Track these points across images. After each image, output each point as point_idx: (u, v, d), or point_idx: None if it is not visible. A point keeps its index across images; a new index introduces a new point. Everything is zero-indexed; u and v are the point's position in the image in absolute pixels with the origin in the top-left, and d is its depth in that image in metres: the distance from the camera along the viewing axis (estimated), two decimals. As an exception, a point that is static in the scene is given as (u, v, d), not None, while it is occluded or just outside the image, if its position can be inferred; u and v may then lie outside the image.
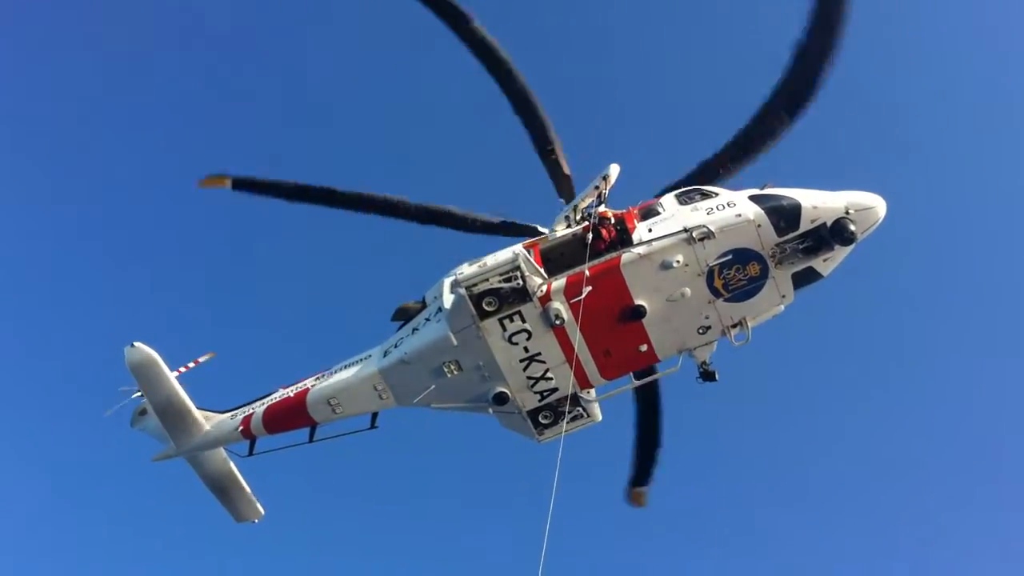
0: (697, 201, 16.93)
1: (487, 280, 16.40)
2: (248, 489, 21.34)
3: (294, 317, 53.48)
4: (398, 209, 19.04)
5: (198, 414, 20.28)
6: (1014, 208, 48.42)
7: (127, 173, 55.24)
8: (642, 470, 19.97)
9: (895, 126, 51.98)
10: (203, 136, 57.70)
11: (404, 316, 18.60)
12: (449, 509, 48.17)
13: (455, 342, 16.87)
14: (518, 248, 17.46)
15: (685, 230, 16.20)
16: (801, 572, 45.63)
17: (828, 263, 16.63)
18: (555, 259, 17.30)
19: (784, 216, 16.19)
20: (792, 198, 16.36)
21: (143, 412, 20.72)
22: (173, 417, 20.04)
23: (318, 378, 19.20)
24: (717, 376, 17.36)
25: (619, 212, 17.62)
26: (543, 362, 17.05)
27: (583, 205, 18.10)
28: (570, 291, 16.41)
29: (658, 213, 17.17)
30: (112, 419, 21.01)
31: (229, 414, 20.39)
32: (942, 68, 53.04)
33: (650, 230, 16.72)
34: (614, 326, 16.74)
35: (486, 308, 16.43)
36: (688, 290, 16.39)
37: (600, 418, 18.27)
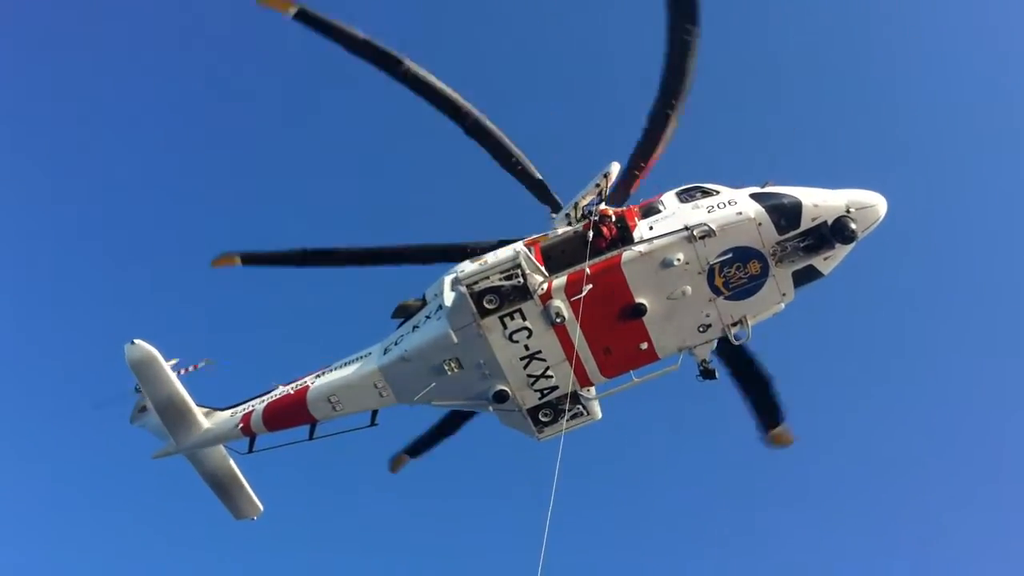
0: (698, 199, 16.94)
1: (488, 278, 16.39)
2: (248, 486, 21.30)
3: (294, 314, 53.48)
4: (406, 255, 19.46)
5: (198, 411, 20.25)
6: (1014, 207, 48.49)
7: (127, 173, 55.30)
8: (768, 411, 18.65)
9: (895, 125, 52.03)
10: (203, 136, 57.87)
11: (404, 314, 18.57)
12: (449, 507, 48.22)
13: (456, 340, 16.86)
14: (519, 246, 17.46)
15: (686, 228, 16.19)
16: (801, 572, 45.70)
17: (829, 261, 16.62)
18: (556, 257, 17.28)
19: (785, 214, 16.19)
20: (793, 196, 16.36)
21: (143, 409, 20.68)
22: (173, 414, 20.01)
23: (318, 375, 19.17)
24: (717, 374, 17.40)
25: (620, 210, 17.62)
26: (543, 360, 17.04)
27: (584, 203, 18.11)
28: (571, 289, 16.40)
29: (659, 211, 17.17)
30: (111, 419, 21.06)
31: (229, 411, 20.36)
32: (942, 68, 53.11)
33: (651, 228, 16.71)
34: (614, 324, 16.74)
35: (487, 306, 16.41)
36: (689, 288, 16.39)
37: (600, 416, 18.25)
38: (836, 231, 16.16)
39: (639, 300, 16.45)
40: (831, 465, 46.56)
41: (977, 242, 47.85)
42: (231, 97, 57.94)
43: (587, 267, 16.34)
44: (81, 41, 56.09)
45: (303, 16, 17.05)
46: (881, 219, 16.69)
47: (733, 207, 16.39)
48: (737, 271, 16.34)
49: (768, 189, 16.74)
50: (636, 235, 16.73)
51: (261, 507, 21.60)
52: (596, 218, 17.25)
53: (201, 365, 21.53)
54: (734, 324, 16.88)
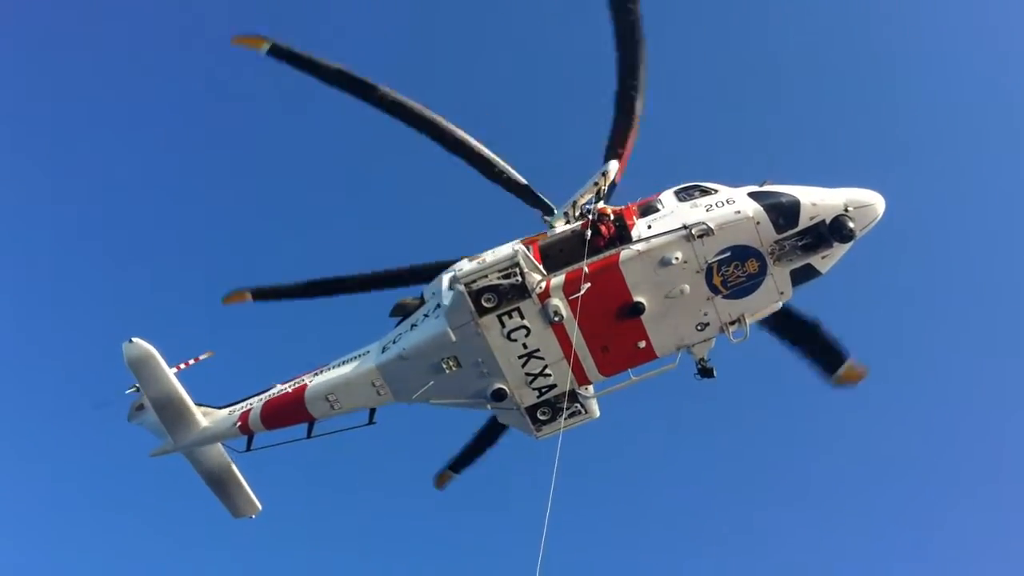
0: (696, 198, 16.94)
1: (486, 276, 16.41)
2: (246, 485, 21.31)
3: (292, 313, 53.41)
4: (408, 276, 19.54)
5: (196, 410, 20.26)
6: (1014, 207, 48.46)
7: (127, 173, 55.28)
8: (829, 352, 18.42)
9: (893, 124, 51.99)
10: (203, 136, 57.85)
11: (402, 312, 18.59)
12: (447, 505, 48.04)
13: (454, 338, 16.87)
14: (517, 244, 17.44)
15: (684, 227, 16.19)
16: (801, 572, 45.71)
17: (827, 260, 16.63)
18: (554, 256, 17.26)
19: (783, 213, 16.20)
20: (791, 195, 16.36)
21: (140, 407, 20.69)
22: (171, 413, 20.02)
23: (316, 374, 19.18)
24: (715, 373, 17.38)
25: (618, 208, 17.61)
26: (542, 358, 17.05)
27: (582, 201, 18.12)
28: (569, 288, 16.40)
29: (657, 210, 17.15)
30: (112, 418, 21.06)
31: (227, 410, 20.38)
32: (941, 67, 53.10)
33: (649, 227, 16.71)
34: (612, 323, 16.74)
35: (485, 304, 16.43)
36: (687, 287, 16.39)
37: (598, 414, 18.26)
38: (834, 230, 16.16)
39: (637, 299, 16.45)
40: (831, 465, 46.69)
41: (976, 241, 47.84)
42: (231, 97, 57.95)
43: (585, 266, 16.35)
44: (81, 41, 56.10)
45: (276, 51, 17.49)
46: (879, 218, 16.68)
47: (731, 206, 16.38)
48: (735, 270, 16.35)
49: (766, 188, 16.74)
50: (634, 234, 16.72)
51: (259, 505, 21.62)
52: (594, 217, 17.24)
53: (203, 357, 21.56)
54: (732, 323, 16.89)
